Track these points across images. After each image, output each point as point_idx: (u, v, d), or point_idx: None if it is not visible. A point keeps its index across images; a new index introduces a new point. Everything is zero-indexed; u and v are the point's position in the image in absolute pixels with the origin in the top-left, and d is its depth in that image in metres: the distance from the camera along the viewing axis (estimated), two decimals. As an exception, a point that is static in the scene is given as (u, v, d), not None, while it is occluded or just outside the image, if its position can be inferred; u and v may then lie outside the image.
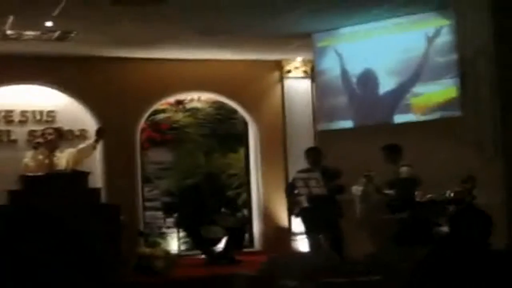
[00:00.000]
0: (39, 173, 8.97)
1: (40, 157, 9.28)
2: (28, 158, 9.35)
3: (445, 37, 10.20)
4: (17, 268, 3.05)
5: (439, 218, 9.37)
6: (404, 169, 9.52)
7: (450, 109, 10.14)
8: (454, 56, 10.02)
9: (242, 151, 13.16)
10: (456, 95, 10.01)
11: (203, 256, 10.71)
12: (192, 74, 12.45)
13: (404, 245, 8.46)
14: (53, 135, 9.47)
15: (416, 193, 9.61)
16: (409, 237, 8.90)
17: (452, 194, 9.78)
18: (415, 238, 8.78)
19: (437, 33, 10.29)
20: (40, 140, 9.51)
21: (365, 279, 6.46)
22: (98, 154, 11.61)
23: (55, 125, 11.35)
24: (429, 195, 9.78)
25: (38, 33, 10.33)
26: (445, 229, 8.77)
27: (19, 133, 11.82)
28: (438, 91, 10.33)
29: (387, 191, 9.55)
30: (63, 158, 9.37)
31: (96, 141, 9.62)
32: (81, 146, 9.80)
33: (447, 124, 10.25)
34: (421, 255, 4.39)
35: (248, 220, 12.43)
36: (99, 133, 9.65)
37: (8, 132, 11.81)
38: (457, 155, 10.29)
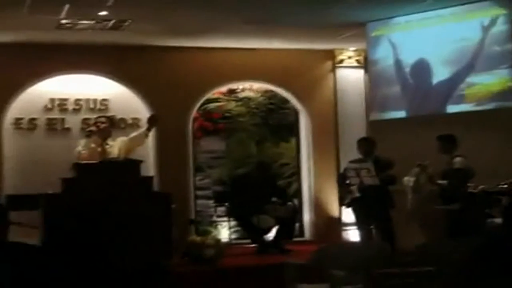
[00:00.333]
0: (92, 161, 9.06)
1: (93, 145, 9.36)
2: (81, 146, 9.44)
3: (501, 27, 10.06)
4: (72, 254, 3.08)
5: (492, 210, 9.24)
6: (457, 160, 9.40)
7: (505, 100, 10.01)
8: (509, 46, 9.90)
9: (293, 140, 13.13)
10: (510, 85, 9.87)
11: (253, 245, 10.72)
12: (244, 63, 12.45)
13: (456, 236, 8.36)
14: (105, 124, 9.53)
15: (469, 184, 9.49)
16: (461, 228, 8.80)
17: (505, 186, 9.63)
18: (467, 229, 8.67)
19: (492, 22, 10.14)
20: (93, 128, 9.59)
21: (416, 270, 6.40)
22: (150, 143, 11.71)
23: (108, 114, 11.46)
24: (482, 186, 9.65)
25: (92, 22, 10.42)
26: (498, 220, 8.65)
27: (73, 121, 11.95)
28: (492, 81, 10.18)
29: (440, 181, 9.44)
30: (115, 146, 9.43)
31: (148, 129, 9.65)
32: (133, 134, 9.85)
33: (501, 114, 10.12)
34: (473, 246, 4.34)
35: (299, 210, 12.40)
36: (151, 121, 9.68)
37: (62, 120, 11.95)
38: (511, 146, 10.16)
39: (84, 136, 9.95)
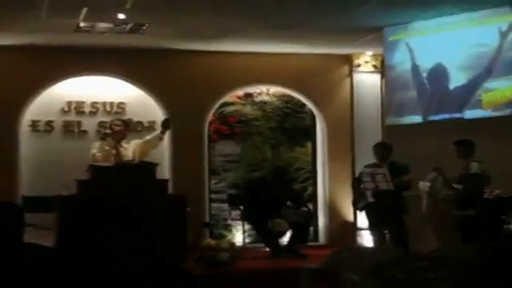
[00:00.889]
0: (107, 164, 9.09)
1: (107, 148, 9.40)
2: (96, 148, 9.47)
3: (519, 32, 10.01)
4: (84, 255, 3.09)
5: (508, 216, 9.20)
6: (474, 165, 9.38)
7: (523, 106, 9.96)
8: (527, 51, 9.85)
9: (309, 145, 13.13)
10: (529, 91, 9.84)
11: (267, 249, 10.70)
12: (260, 67, 12.46)
13: (471, 242, 8.32)
14: (120, 127, 9.57)
15: (485, 190, 9.45)
16: (476, 233, 8.76)
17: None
18: (482, 234, 8.64)
19: (510, 28, 10.09)
20: (108, 131, 9.63)
21: (430, 275, 6.37)
22: (166, 145, 11.75)
23: (125, 117, 11.53)
24: (497, 192, 9.61)
25: (110, 25, 10.45)
26: (513, 226, 8.62)
27: (90, 124, 12.00)
28: (509, 87, 10.11)
29: (455, 186, 9.42)
30: (130, 149, 9.47)
31: (162, 132, 9.69)
32: (148, 137, 9.89)
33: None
34: (488, 252, 4.32)
35: (314, 214, 12.39)
36: (165, 124, 9.72)
37: (79, 123, 12.00)
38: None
39: (99, 138, 9.95)
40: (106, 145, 9.42)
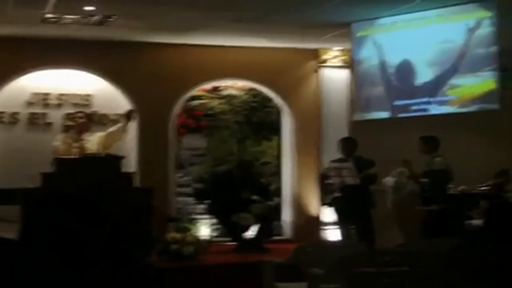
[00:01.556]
0: (71, 156, 9.03)
1: (70, 140, 9.33)
2: (58, 141, 9.40)
3: (486, 29, 10.06)
4: (47, 250, 3.04)
5: (471, 211, 9.28)
6: (437, 160, 9.46)
7: (488, 102, 10.04)
8: (494, 48, 9.92)
9: (276, 139, 13.12)
10: (494, 88, 9.91)
11: (233, 243, 10.70)
12: (228, 60, 12.43)
13: (435, 237, 8.38)
14: (83, 119, 9.51)
15: (449, 185, 9.53)
16: (440, 228, 8.83)
17: (485, 188, 9.69)
18: (446, 230, 8.71)
19: (477, 24, 10.15)
20: (71, 123, 9.55)
21: (394, 270, 6.40)
22: (132, 138, 11.69)
23: (91, 109, 11.46)
24: (462, 188, 9.70)
25: (77, 17, 10.36)
26: (476, 222, 8.69)
27: (55, 116, 11.88)
28: (476, 84, 10.19)
29: (422, 180, 9.51)
30: (93, 141, 9.41)
31: (126, 123, 9.63)
32: (111, 129, 9.84)
33: (484, 117, 10.16)
34: (451, 247, 4.34)
35: (279, 209, 12.40)
36: (128, 116, 9.67)
37: (44, 115, 11.89)
38: (492, 149, 10.20)
39: (61, 130, 9.86)
40: (69, 137, 9.35)
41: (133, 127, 11.62)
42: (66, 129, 9.51)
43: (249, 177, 10.91)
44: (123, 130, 9.66)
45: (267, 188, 11.98)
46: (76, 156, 9.11)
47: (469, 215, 9.27)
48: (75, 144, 9.26)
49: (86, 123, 9.51)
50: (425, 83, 10.66)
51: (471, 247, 4.34)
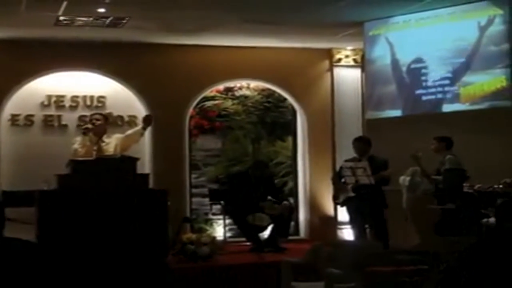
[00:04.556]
0: (88, 158, 9.06)
1: (88, 143, 9.36)
2: (77, 144, 9.43)
3: (498, 27, 10.07)
4: (67, 251, 3.08)
5: (487, 209, 9.26)
6: (450, 158, 9.46)
7: (500, 99, 10.04)
8: (505, 46, 9.92)
9: (289, 139, 13.14)
10: (506, 85, 9.91)
11: (248, 243, 10.72)
12: (242, 61, 12.46)
13: (450, 235, 8.38)
14: (100, 121, 9.53)
15: (464, 183, 9.51)
16: (455, 227, 8.82)
17: (501, 186, 9.66)
18: (461, 228, 8.70)
19: (489, 22, 10.15)
20: (89, 126, 9.58)
21: (410, 269, 6.42)
22: (147, 140, 11.74)
23: (105, 111, 11.51)
24: (477, 186, 9.67)
25: (90, 19, 10.42)
26: (492, 220, 8.67)
27: (70, 118, 11.95)
28: (488, 81, 10.19)
29: (434, 177, 9.51)
30: (111, 143, 9.43)
31: (144, 128, 9.66)
32: (129, 132, 9.87)
33: (496, 114, 10.15)
34: (467, 245, 4.34)
35: (294, 209, 12.42)
36: (146, 120, 9.70)
37: (59, 117, 11.95)
38: (506, 146, 10.18)
39: (80, 133, 9.90)
40: (88, 140, 9.38)
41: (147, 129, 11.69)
42: (85, 131, 9.49)
43: (263, 177, 10.92)
44: (141, 134, 9.70)
45: (281, 188, 11.99)
46: (92, 158, 9.14)
47: (486, 214, 9.25)
48: (94, 147, 9.29)
49: (104, 125, 9.54)
50: (437, 81, 10.67)
51: (487, 246, 4.35)
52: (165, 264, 7.90)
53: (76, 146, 9.39)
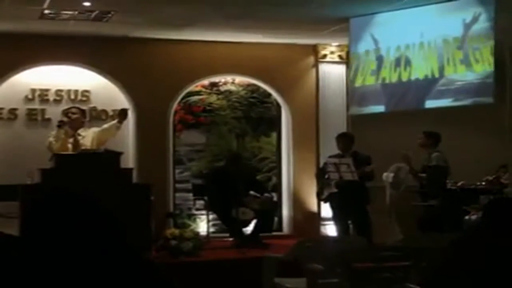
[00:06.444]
0: (66, 152, 9.05)
1: (63, 136, 9.34)
2: (52, 137, 9.40)
3: (482, 24, 10.10)
4: (50, 245, 3.05)
5: (470, 206, 9.31)
6: (435, 155, 9.49)
7: (483, 96, 10.07)
8: (490, 43, 9.95)
9: (274, 135, 13.14)
10: (489, 82, 9.95)
11: (232, 238, 10.72)
12: (227, 56, 12.44)
13: (433, 232, 8.41)
14: (77, 114, 9.52)
15: (448, 180, 9.56)
16: (438, 223, 8.86)
17: (484, 183, 9.71)
18: (444, 224, 8.74)
19: (474, 19, 10.18)
20: (64, 119, 9.55)
21: (393, 265, 6.44)
22: (131, 134, 11.72)
23: (90, 105, 11.49)
24: (461, 183, 9.72)
25: (75, 13, 10.38)
26: (475, 217, 8.72)
27: (54, 112, 11.88)
28: (471, 78, 10.23)
29: (420, 175, 9.54)
30: (88, 137, 9.43)
31: (119, 122, 9.65)
32: (105, 126, 9.86)
33: (480, 110, 10.19)
34: (449, 242, 4.36)
35: (278, 204, 12.43)
36: (122, 114, 9.70)
37: (43, 111, 11.90)
38: (489, 143, 10.22)
39: (55, 126, 9.83)
40: (63, 133, 9.35)
41: (131, 123, 11.67)
42: (60, 124, 9.45)
43: (244, 172, 10.92)
44: (117, 127, 9.67)
45: (263, 183, 11.99)
46: (74, 152, 9.11)
47: (468, 210, 9.30)
48: (70, 140, 9.27)
49: (80, 119, 9.52)
50: (421, 77, 10.69)
51: (470, 242, 4.36)
52: (147, 260, 7.87)
53: (51, 139, 9.37)
